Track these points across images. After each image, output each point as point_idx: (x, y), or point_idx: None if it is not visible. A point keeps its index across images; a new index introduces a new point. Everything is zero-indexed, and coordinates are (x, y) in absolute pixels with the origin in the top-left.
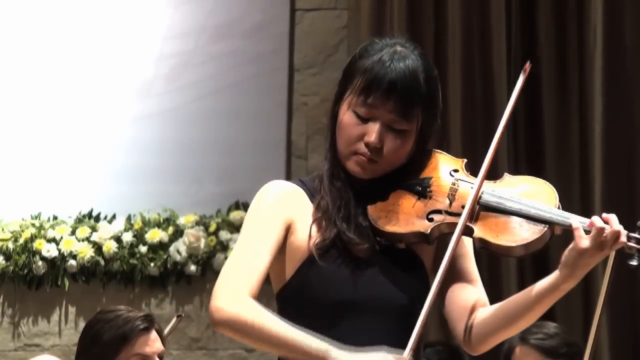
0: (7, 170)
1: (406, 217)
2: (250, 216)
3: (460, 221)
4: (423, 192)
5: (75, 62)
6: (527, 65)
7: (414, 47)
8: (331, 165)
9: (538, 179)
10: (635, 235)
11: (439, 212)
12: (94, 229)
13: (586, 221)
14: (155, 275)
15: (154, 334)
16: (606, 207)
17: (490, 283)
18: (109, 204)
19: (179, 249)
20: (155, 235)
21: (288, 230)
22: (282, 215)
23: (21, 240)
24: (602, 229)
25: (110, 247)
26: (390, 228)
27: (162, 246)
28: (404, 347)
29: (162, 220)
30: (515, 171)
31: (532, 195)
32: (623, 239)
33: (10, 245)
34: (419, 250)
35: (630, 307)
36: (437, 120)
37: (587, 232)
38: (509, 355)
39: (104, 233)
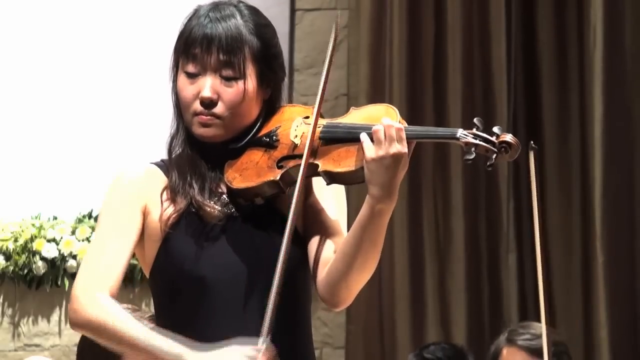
0: (7, 170)
1: (257, 170)
2: (103, 209)
3: (303, 159)
4: (271, 142)
5: (74, 64)
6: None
7: (238, 1)
8: (180, 137)
9: (380, 103)
10: (472, 131)
11: (287, 157)
12: (94, 229)
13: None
14: None
15: None
16: (606, 206)
17: (490, 285)
18: None
19: None
20: None
21: (144, 214)
22: (135, 201)
23: (21, 240)
24: (377, 130)
25: None
26: (244, 184)
27: None
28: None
29: None
30: (515, 173)
31: (372, 119)
32: (392, 132)
33: (10, 245)
34: (282, 205)
35: (630, 307)
36: (282, 74)
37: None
38: (496, 356)
39: None
